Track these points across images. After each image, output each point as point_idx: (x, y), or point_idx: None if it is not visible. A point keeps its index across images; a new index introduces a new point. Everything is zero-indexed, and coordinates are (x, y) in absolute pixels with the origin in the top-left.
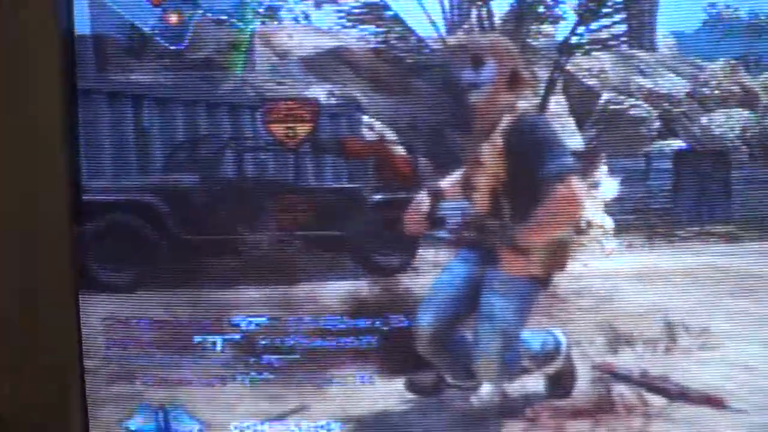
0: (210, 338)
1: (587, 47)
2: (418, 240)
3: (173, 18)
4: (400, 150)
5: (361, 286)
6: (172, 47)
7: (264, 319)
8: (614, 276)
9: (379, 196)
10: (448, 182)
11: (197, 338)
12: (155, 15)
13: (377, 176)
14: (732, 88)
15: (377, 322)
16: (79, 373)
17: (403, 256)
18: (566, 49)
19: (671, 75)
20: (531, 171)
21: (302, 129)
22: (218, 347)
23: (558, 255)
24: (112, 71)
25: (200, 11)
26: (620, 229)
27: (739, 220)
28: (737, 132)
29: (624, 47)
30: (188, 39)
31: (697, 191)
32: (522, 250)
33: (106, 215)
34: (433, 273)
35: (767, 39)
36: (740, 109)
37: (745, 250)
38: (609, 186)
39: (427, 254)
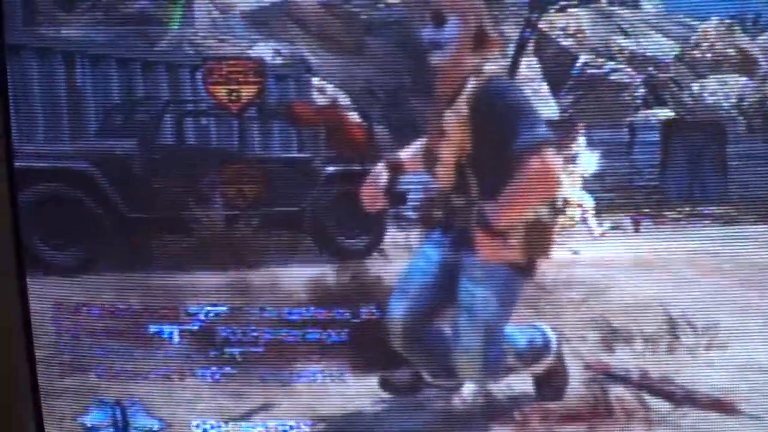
0: (166, 328)
1: (562, 3)
2: (383, 219)
3: None
4: (354, 116)
5: (327, 272)
6: None
7: (224, 308)
8: (606, 264)
9: (333, 168)
10: (407, 153)
11: (152, 328)
12: None
13: (330, 145)
14: (727, 50)
15: (346, 313)
16: (29, 363)
17: (369, 238)
18: (538, 4)
19: (657, 35)
20: (500, 142)
21: (246, 92)
22: (175, 338)
23: (539, 238)
24: (41, 25)
25: None
26: (601, 209)
27: (735, 200)
28: (733, 101)
29: (604, 3)
30: None
31: (688, 167)
32: (496, 231)
33: (41, 184)
34: (405, 258)
35: None
36: (736, 75)
37: (743, 235)
38: (588, 160)
39: (396, 236)
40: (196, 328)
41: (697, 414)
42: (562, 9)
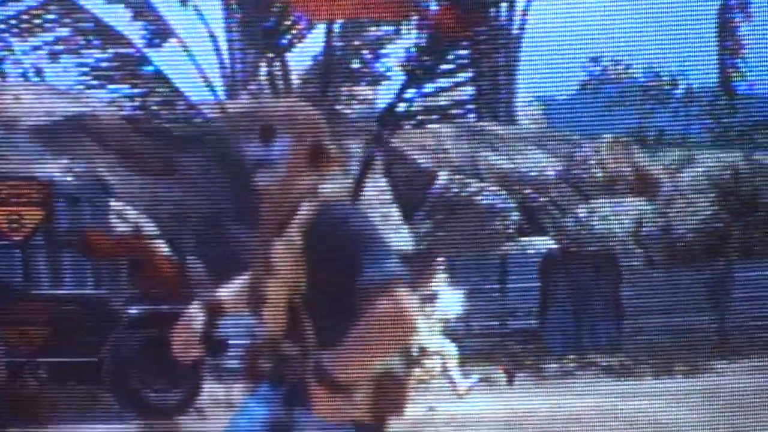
0: None
1: (420, 117)
2: (198, 371)
3: None
4: (162, 247)
5: None
6: None
7: None
8: (472, 423)
9: (137, 310)
10: (228, 291)
11: None
12: None
13: (133, 282)
14: (622, 170)
15: None
16: None
17: (182, 392)
18: (390, 120)
19: (535, 151)
20: (341, 278)
21: (30, 217)
22: None
23: (389, 394)
24: None
25: None
26: (467, 359)
27: (631, 349)
28: (629, 228)
29: (471, 118)
30: None
31: (574, 308)
32: (336, 385)
33: None
34: (225, 416)
35: (671, 106)
36: (633, 198)
37: (640, 389)
38: (450, 300)
39: (215, 391)
40: None
41: None
42: (420, 124)
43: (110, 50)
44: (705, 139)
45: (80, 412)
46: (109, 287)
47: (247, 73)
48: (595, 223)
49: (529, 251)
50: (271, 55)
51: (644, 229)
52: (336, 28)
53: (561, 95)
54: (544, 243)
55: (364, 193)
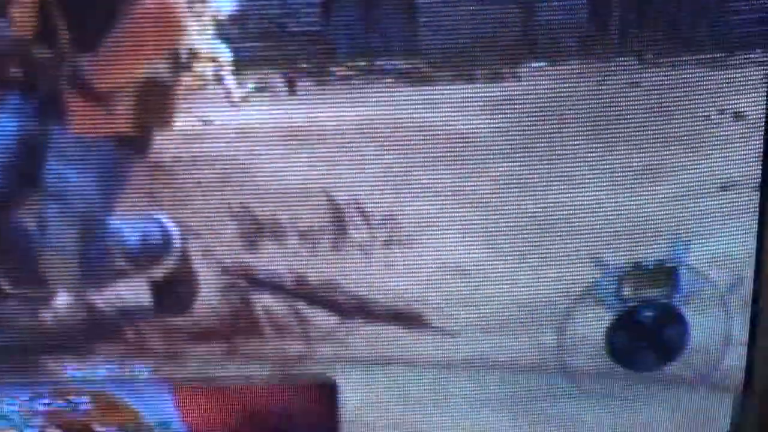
0: None
1: None
2: None
3: None
4: None
5: None
6: None
7: None
8: (249, 136)
9: None
10: None
11: None
12: None
13: None
14: None
15: None
16: None
17: None
18: None
19: None
20: None
21: None
22: None
23: (155, 104)
24: None
25: None
26: (244, 64)
27: (426, 51)
28: None
29: None
30: None
31: (362, 5)
32: (96, 94)
33: None
34: None
35: None
36: None
37: (436, 97)
38: None
39: None
40: None
41: (371, 328)
42: None
43: None
44: None
45: None
46: None
47: None
48: None
49: None
50: None
51: None
52: None
53: None
54: None
55: None
